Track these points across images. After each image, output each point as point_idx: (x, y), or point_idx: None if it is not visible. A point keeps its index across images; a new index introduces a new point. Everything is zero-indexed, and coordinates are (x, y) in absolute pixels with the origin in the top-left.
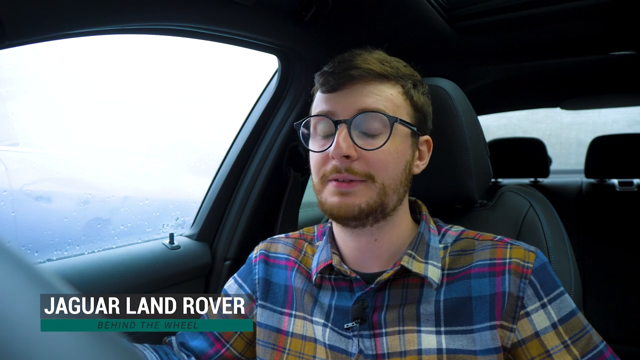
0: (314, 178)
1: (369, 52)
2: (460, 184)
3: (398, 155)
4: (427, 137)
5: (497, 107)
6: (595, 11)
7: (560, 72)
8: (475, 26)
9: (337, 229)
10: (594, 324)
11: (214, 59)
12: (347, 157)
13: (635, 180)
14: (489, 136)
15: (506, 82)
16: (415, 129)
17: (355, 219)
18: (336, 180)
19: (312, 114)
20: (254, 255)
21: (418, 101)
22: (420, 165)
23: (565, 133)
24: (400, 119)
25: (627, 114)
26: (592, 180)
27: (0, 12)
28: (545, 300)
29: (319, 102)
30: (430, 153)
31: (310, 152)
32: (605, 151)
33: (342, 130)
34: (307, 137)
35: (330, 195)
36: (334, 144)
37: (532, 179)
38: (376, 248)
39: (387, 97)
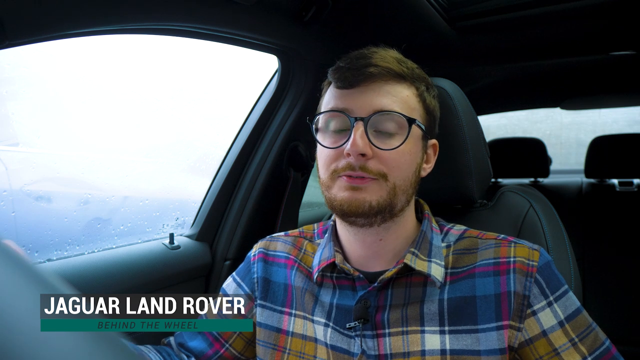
0: (323, 174)
1: (385, 50)
2: (460, 184)
3: (411, 157)
4: (434, 140)
5: (497, 107)
6: (595, 11)
7: (560, 72)
8: (475, 26)
9: (341, 227)
10: None
11: (214, 59)
12: (363, 155)
13: (635, 180)
14: (489, 136)
15: (506, 82)
16: (426, 132)
17: (364, 216)
18: (348, 176)
19: (325, 109)
20: (252, 254)
21: (430, 104)
22: (427, 169)
23: (565, 133)
24: (417, 122)
25: (627, 114)
26: (592, 180)
27: (0, 12)
28: (551, 298)
29: (333, 98)
30: (436, 157)
31: (320, 147)
32: (605, 151)
33: (359, 128)
34: (317, 132)
35: (341, 191)
36: (350, 141)
37: (532, 179)
38: (381, 248)
39: (403, 98)
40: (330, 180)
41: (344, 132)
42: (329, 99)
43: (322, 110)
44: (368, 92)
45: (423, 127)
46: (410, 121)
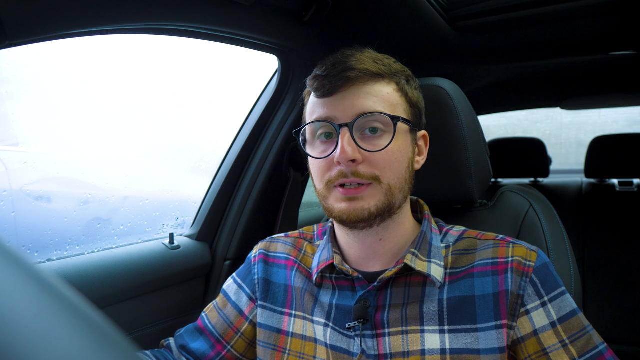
0: (318, 184)
1: (360, 51)
2: (460, 184)
3: (401, 153)
4: (423, 132)
5: (497, 107)
6: (595, 11)
7: (560, 72)
8: (475, 26)
9: (339, 230)
10: (593, 324)
11: (214, 59)
12: (353, 161)
13: (635, 180)
14: (489, 136)
15: (506, 82)
16: (413, 125)
17: (364, 222)
18: (342, 185)
19: (310, 120)
20: (253, 255)
21: (413, 97)
22: (420, 161)
23: (565, 133)
24: (402, 118)
25: (627, 114)
26: (592, 180)
27: (0, 12)
28: (545, 299)
29: (315, 107)
30: (428, 147)
31: (311, 159)
32: (605, 151)
33: (345, 134)
34: (305, 144)
35: (337, 202)
36: (339, 149)
37: (532, 179)
38: (381, 247)
39: (384, 96)
40: (326, 191)
41: (331, 140)
42: (311, 109)
43: (306, 122)
44: (349, 96)
45: (408, 121)
46: (395, 119)
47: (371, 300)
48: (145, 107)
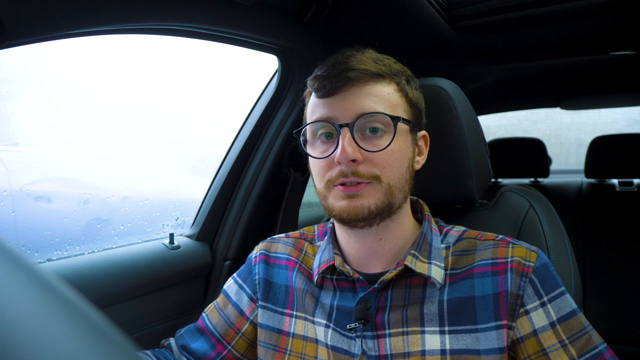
0: (318, 184)
1: (360, 52)
2: (460, 184)
3: (402, 153)
4: (424, 132)
5: (497, 107)
6: (595, 11)
7: (560, 72)
8: (475, 26)
9: (340, 230)
10: (593, 324)
11: (214, 59)
12: (354, 160)
13: (635, 180)
14: (489, 136)
15: (506, 82)
16: (413, 125)
17: (364, 220)
18: (343, 184)
19: (311, 120)
20: (253, 255)
21: (413, 97)
22: (420, 161)
23: (565, 133)
24: (402, 118)
25: (627, 114)
26: (592, 180)
27: (0, 12)
28: (545, 299)
29: (316, 107)
30: (428, 148)
31: (311, 158)
32: (605, 151)
33: (346, 135)
34: (306, 144)
35: (337, 200)
36: (339, 149)
37: (532, 179)
38: (380, 247)
39: (384, 96)
40: (326, 190)
41: (332, 140)
42: (312, 109)
43: (307, 122)
44: (349, 97)
45: (409, 121)
46: (395, 119)
47: (372, 302)
48: (145, 107)
